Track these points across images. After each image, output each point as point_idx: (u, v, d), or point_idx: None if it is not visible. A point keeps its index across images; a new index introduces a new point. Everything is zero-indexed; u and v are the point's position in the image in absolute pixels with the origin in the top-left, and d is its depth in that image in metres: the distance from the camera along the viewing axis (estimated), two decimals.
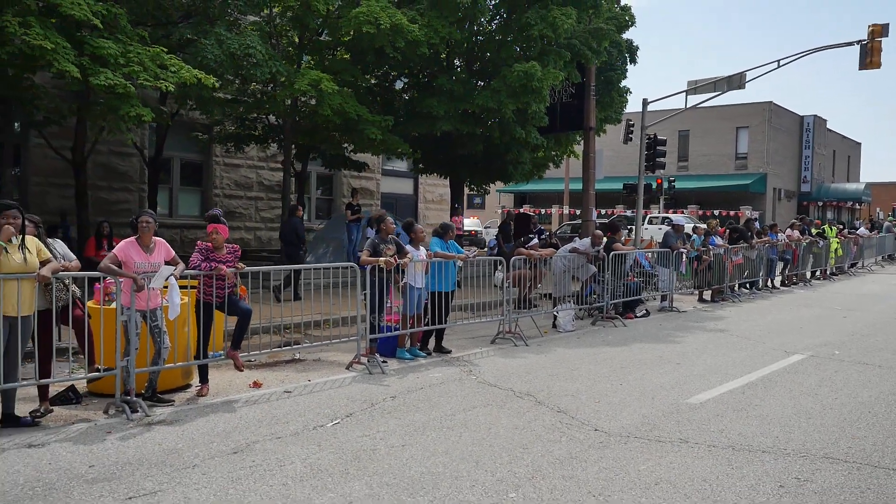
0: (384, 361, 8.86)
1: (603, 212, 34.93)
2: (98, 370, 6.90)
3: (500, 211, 45.13)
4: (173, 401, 7.17)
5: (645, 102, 22.72)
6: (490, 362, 9.28)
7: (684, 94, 22.79)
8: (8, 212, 6.01)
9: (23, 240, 6.14)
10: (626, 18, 19.00)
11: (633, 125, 24.32)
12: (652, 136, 22.85)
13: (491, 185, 23.43)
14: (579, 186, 32.01)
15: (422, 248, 9.79)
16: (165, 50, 12.01)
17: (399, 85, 19.40)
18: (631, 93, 22.28)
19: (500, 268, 11.51)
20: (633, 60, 21.19)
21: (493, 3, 17.44)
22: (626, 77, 21.42)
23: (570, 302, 12.09)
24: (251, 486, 4.86)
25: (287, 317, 10.31)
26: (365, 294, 8.80)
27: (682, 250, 15.06)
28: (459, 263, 10.16)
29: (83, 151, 15.52)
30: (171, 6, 14.89)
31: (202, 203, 21.97)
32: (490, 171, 19.92)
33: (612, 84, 21.06)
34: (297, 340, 9.98)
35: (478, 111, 16.38)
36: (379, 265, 8.83)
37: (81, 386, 7.42)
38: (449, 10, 15.59)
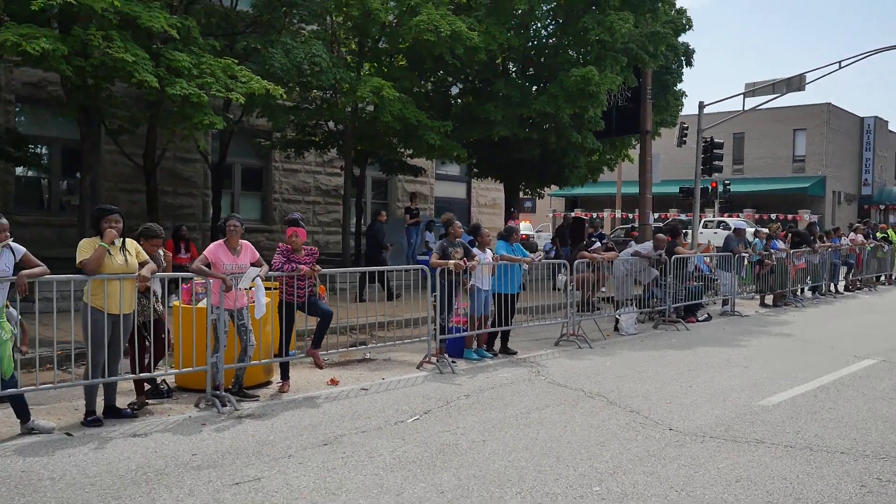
0: (453, 361, 9.08)
1: (656, 215, 34.67)
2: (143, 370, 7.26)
3: (551, 215, 45.11)
4: (258, 396, 7.50)
5: (701, 105, 22.57)
6: (557, 363, 9.44)
7: (741, 96, 22.58)
8: (111, 216, 6.40)
9: (123, 242, 6.53)
10: (682, 22, 18.94)
11: (686, 128, 24.19)
12: (709, 140, 22.69)
13: (546, 188, 23.52)
14: (632, 190, 31.74)
15: (488, 250, 10.00)
16: (236, 61, 12.46)
17: (454, 90, 19.68)
18: (686, 96, 22.21)
19: (562, 271, 11.64)
20: (689, 63, 21.11)
21: (549, 7, 17.58)
22: (681, 80, 21.35)
23: (632, 305, 12.15)
24: (346, 475, 5.12)
25: (355, 318, 10.61)
26: (435, 296, 9.03)
27: (744, 254, 14.97)
28: (525, 266, 10.34)
29: (154, 158, 16.12)
30: (237, 17, 15.44)
31: (262, 207, 22.56)
32: (546, 175, 20.06)
33: (667, 87, 21.02)
34: (365, 341, 10.29)
35: (535, 116, 16.54)
36: (448, 268, 9.06)
37: (168, 381, 7.79)
38: (506, 16, 15.80)
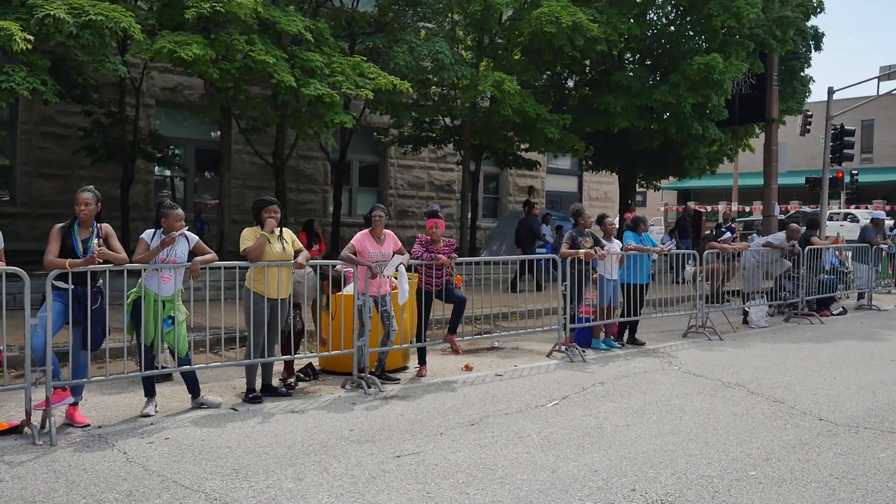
0: (583, 351, 9.14)
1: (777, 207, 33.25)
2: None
3: (662, 209, 44.03)
4: (399, 379, 7.83)
5: (830, 91, 21.55)
6: (688, 354, 9.34)
7: (876, 80, 21.39)
8: (270, 207, 6.85)
9: (281, 231, 6.97)
10: (813, 4, 18.14)
11: (811, 116, 23.12)
12: (838, 127, 21.61)
13: (664, 180, 23.07)
14: (750, 182, 30.52)
15: (615, 240, 10.00)
16: (364, 59, 12.93)
17: (570, 83, 19.61)
18: (814, 81, 21.22)
19: (689, 262, 11.46)
20: (818, 48, 20.19)
21: None
22: (809, 65, 20.43)
23: (762, 298, 11.81)
24: (498, 452, 5.32)
25: (484, 308, 10.82)
26: (565, 285, 9.11)
27: (883, 246, 14.23)
28: (654, 256, 10.27)
29: (282, 156, 16.91)
30: (362, 18, 16.00)
31: (378, 202, 23.18)
32: (664, 166, 19.69)
33: (794, 73, 20.18)
34: (489, 330, 10.50)
35: (655, 106, 16.28)
36: (578, 257, 9.13)
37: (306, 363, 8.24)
38: (627, 5, 15.63)
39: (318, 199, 21.66)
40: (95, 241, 5.88)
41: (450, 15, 16.64)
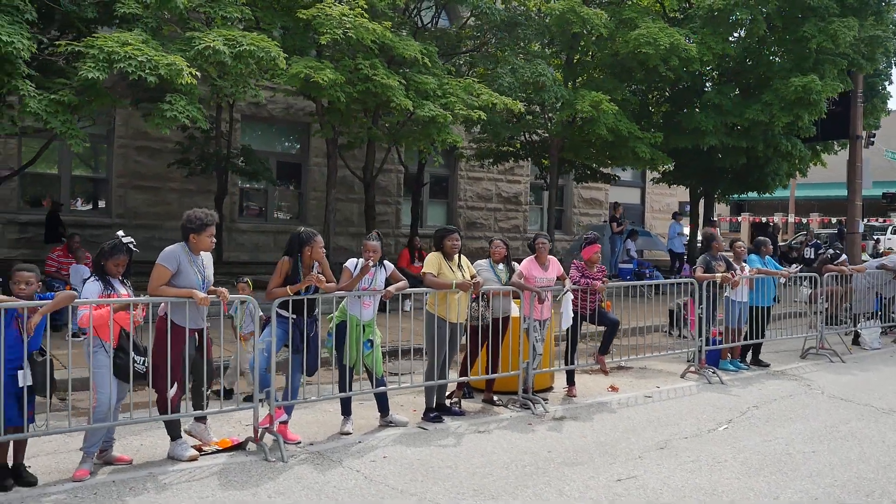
0: (713, 372, 9.36)
1: (835, 220, 33.06)
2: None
3: (715, 219, 43.83)
4: (547, 399, 8.08)
5: None
6: (821, 377, 9.52)
7: None
8: (454, 235, 7.20)
9: (460, 259, 7.32)
10: None
11: (876, 129, 23.01)
12: None
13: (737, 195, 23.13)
14: (806, 193, 30.17)
15: (744, 263, 10.21)
16: (476, 80, 13.28)
17: (650, 98, 19.84)
18: (892, 97, 21.17)
19: (804, 284, 11.63)
20: None
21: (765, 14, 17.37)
22: (891, 82, 20.40)
23: (876, 319, 11.94)
24: (710, 477, 5.58)
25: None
26: (701, 308, 9.35)
27: None
28: (781, 280, 10.46)
29: (372, 171, 17.32)
30: (463, 36, 16.40)
31: (447, 214, 23.54)
32: (746, 181, 19.82)
33: (874, 90, 20.18)
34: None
35: (745, 124, 16.45)
36: (715, 280, 9.37)
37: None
38: (721, 25, 15.84)
39: (391, 210, 22.03)
40: (315, 271, 6.27)
41: (547, 36, 16.93)
